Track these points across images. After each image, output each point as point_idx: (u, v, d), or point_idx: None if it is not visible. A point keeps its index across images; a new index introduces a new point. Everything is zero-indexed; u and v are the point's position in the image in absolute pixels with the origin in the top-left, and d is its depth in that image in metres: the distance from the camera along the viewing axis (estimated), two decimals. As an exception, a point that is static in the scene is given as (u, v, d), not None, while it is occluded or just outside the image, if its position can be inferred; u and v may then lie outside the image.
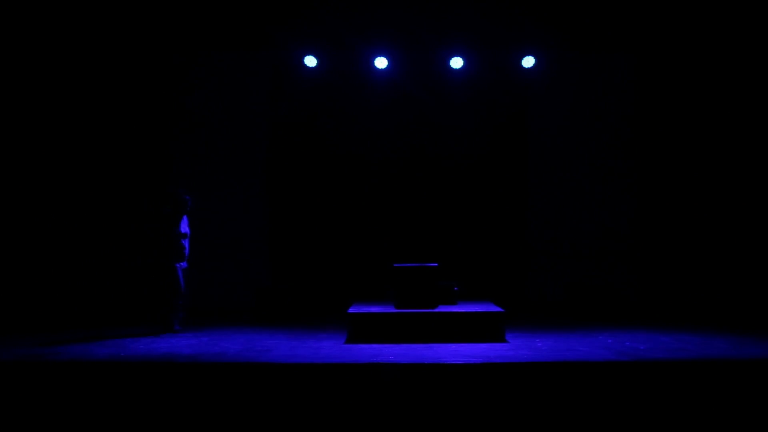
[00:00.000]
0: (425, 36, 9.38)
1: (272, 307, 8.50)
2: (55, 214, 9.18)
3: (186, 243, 7.41)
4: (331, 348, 6.07)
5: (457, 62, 9.55)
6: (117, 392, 5.01)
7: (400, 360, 5.31)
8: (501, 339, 6.43)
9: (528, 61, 9.62)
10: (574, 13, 9.28)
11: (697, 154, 9.57)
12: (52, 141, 9.20)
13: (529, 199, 9.83)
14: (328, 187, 9.78)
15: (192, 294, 9.57)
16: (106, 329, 7.47)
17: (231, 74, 9.81)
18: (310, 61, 9.53)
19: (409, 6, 9.23)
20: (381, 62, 9.52)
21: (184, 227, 7.39)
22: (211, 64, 9.79)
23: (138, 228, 9.51)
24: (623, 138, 9.88)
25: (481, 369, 5.07)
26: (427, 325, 6.49)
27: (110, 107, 9.47)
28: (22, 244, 8.97)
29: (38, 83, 9.12)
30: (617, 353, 5.62)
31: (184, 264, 7.38)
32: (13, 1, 8.68)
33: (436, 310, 6.65)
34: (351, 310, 6.74)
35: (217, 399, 4.95)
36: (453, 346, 6.07)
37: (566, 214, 9.79)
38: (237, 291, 9.53)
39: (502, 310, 6.64)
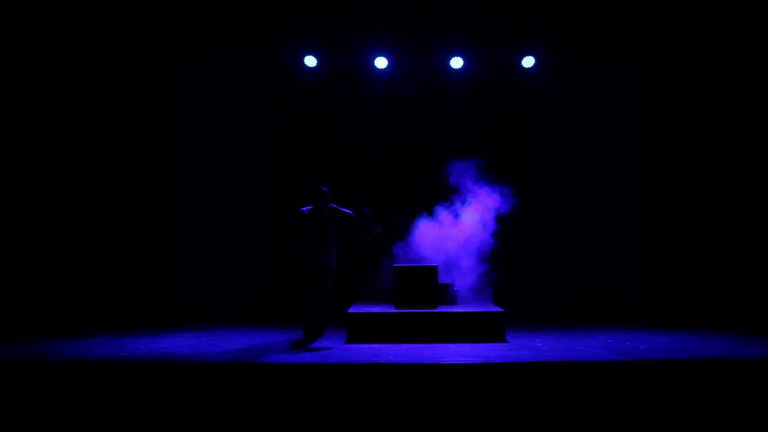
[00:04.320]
0: (425, 36, 9.38)
1: (272, 307, 8.50)
2: (55, 214, 9.17)
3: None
4: (331, 348, 6.07)
5: (457, 62, 9.56)
6: (117, 392, 5.01)
7: (400, 360, 5.31)
8: (501, 339, 6.43)
9: (528, 61, 9.62)
10: (575, 12, 9.27)
11: (698, 154, 9.57)
12: (50, 142, 9.18)
13: (528, 200, 9.82)
14: (327, 187, 9.78)
15: (192, 294, 9.64)
16: (106, 329, 7.48)
17: (230, 74, 9.82)
18: (310, 60, 9.53)
19: (409, 6, 9.23)
20: (381, 62, 9.53)
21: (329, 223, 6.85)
22: (210, 63, 9.80)
23: (139, 227, 9.53)
24: (625, 138, 9.89)
25: (481, 369, 5.07)
26: (427, 325, 6.49)
27: (107, 107, 9.45)
28: (22, 245, 8.96)
29: (37, 84, 9.11)
30: (617, 353, 5.62)
31: (333, 264, 6.90)
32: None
33: (436, 310, 6.65)
34: (351, 310, 6.74)
35: (217, 399, 4.95)
36: (453, 346, 6.07)
37: (567, 214, 9.78)
38: (237, 291, 9.54)
39: (502, 310, 6.64)
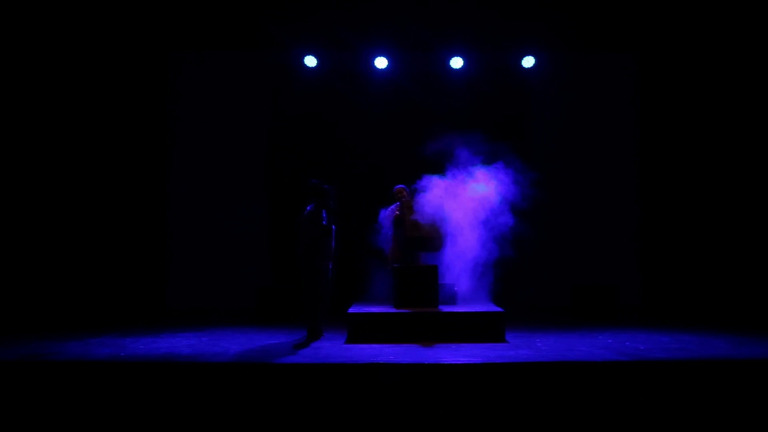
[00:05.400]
0: (425, 36, 9.38)
1: (272, 307, 8.49)
2: (55, 214, 9.18)
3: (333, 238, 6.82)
4: (331, 348, 6.07)
5: (457, 62, 9.57)
6: (117, 392, 5.01)
7: (400, 360, 5.31)
8: (501, 339, 6.43)
9: (528, 61, 9.63)
10: (575, 12, 9.27)
11: (698, 154, 9.57)
12: (51, 143, 9.19)
13: (528, 199, 9.81)
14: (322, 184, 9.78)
15: (192, 294, 9.64)
16: (106, 329, 7.48)
17: (230, 74, 9.82)
18: (310, 61, 9.54)
19: (409, 6, 9.23)
20: (381, 62, 9.53)
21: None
22: (210, 63, 9.81)
23: (139, 227, 9.54)
24: (625, 138, 9.89)
25: (481, 369, 5.07)
26: (427, 325, 6.48)
27: (108, 107, 9.46)
28: (22, 245, 8.97)
29: (38, 84, 9.11)
30: (617, 353, 5.62)
31: (331, 263, 6.83)
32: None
33: (436, 310, 6.65)
34: (351, 310, 6.74)
35: (217, 399, 4.95)
36: (453, 346, 6.07)
37: (567, 214, 9.77)
38: (237, 291, 9.54)
39: (502, 310, 6.64)
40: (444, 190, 7.75)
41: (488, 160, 9.75)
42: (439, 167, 8.50)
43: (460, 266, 7.97)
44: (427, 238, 7.24)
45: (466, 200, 7.88)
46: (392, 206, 7.77)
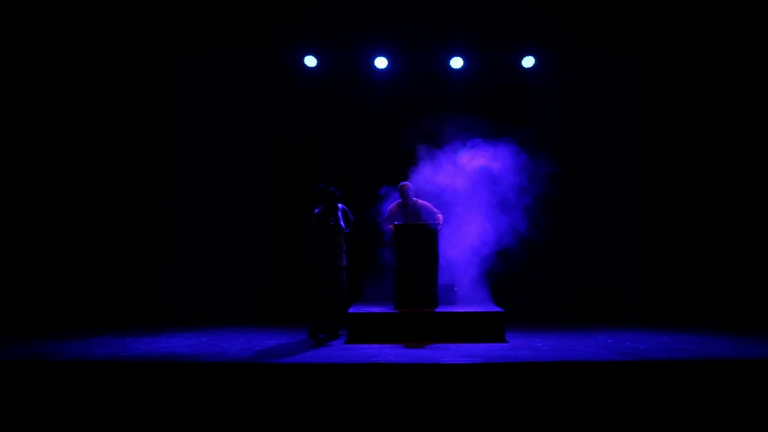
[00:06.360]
0: (425, 36, 9.39)
1: (272, 307, 8.50)
2: (55, 214, 9.18)
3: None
4: (331, 348, 6.07)
5: (457, 62, 9.57)
6: (117, 392, 5.01)
7: (400, 360, 5.32)
8: (501, 339, 6.43)
9: (528, 61, 9.63)
10: (576, 12, 9.28)
11: (698, 154, 9.57)
12: (51, 143, 9.18)
13: (528, 199, 9.82)
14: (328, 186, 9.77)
15: (192, 294, 9.64)
16: (106, 329, 7.48)
17: (231, 74, 9.83)
18: (310, 61, 9.54)
19: (409, 6, 9.24)
20: (381, 62, 9.54)
21: (340, 222, 6.86)
22: (210, 63, 9.81)
23: (139, 227, 9.54)
24: (625, 138, 9.89)
25: (481, 369, 5.07)
26: (427, 325, 6.49)
27: (108, 107, 9.46)
28: (22, 245, 8.96)
29: (38, 84, 9.10)
30: (617, 353, 5.62)
31: (344, 262, 6.92)
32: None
33: (436, 310, 6.65)
34: (351, 310, 6.74)
35: (217, 399, 4.95)
36: (453, 346, 6.07)
37: (567, 214, 9.77)
38: (237, 291, 9.54)
39: (502, 310, 6.64)
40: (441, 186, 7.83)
41: (487, 158, 9.77)
42: (438, 165, 8.55)
43: (461, 266, 7.98)
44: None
45: (463, 199, 7.91)
46: (395, 202, 7.80)
